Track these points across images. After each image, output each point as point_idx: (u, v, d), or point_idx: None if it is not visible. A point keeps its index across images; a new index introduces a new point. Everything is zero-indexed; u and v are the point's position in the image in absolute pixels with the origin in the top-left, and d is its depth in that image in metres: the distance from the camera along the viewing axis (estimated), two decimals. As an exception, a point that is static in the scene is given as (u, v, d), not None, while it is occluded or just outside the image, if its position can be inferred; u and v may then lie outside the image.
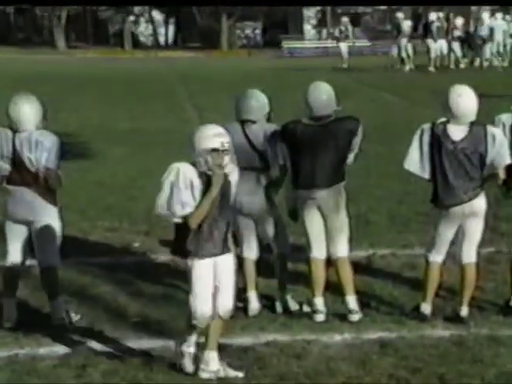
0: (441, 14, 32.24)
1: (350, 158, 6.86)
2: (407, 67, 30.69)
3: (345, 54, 32.62)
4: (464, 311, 6.78)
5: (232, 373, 5.91)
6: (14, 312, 6.96)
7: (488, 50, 30.56)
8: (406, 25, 31.63)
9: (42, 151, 6.74)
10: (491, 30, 30.48)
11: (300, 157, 6.82)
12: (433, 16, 31.59)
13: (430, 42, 30.56)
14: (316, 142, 6.77)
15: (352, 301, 6.90)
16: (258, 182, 6.99)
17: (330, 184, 6.79)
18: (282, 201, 7.16)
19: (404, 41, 31.16)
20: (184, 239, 5.75)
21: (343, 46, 32.73)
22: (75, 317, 6.97)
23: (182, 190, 5.66)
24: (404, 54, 31.00)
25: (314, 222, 6.90)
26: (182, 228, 5.75)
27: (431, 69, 29.88)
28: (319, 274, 6.94)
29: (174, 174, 5.69)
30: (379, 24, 51.46)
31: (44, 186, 6.81)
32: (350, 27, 33.43)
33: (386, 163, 12.50)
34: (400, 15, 33.52)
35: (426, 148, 6.68)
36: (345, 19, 33.94)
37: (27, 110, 6.79)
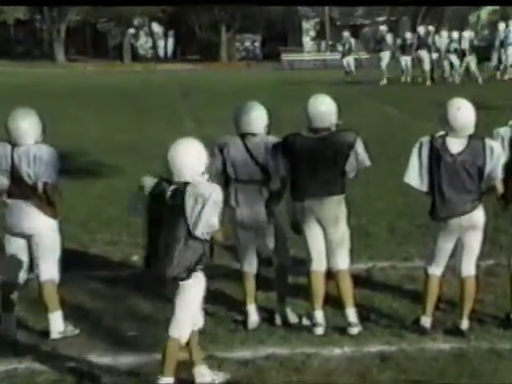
0: (431, 28, 32.52)
1: (354, 172, 6.83)
2: (384, 81, 30.57)
3: (352, 68, 32.33)
4: (464, 324, 6.76)
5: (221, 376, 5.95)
6: (13, 326, 6.94)
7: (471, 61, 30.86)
8: (390, 38, 31.85)
9: (40, 165, 6.74)
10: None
11: (299, 169, 6.82)
12: (421, 30, 31.88)
13: (424, 54, 30.64)
14: (314, 154, 6.76)
15: (352, 314, 6.88)
16: (260, 194, 6.97)
17: (328, 196, 6.78)
18: (283, 213, 7.14)
19: (387, 54, 31.16)
20: (197, 257, 5.69)
21: (347, 60, 32.37)
22: (74, 330, 6.96)
23: (213, 207, 5.60)
24: (384, 67, 30.84)
25: (314, 235, 6.88)
26: (197, 246, 5.66)
27: (428, 82, 30.02)
28: (319, 287, 6.92)
29: (204, 192, 5.58)
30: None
31: (43, 199, 6.80)
32: (352, 40, 33.27)
33: (386, 175, 12.50)
34: (383, 28, 33.54)
35: (424, 161, 6.68)
36: (346, 34, 33.78)
37: (26, 125, 6.79)
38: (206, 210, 5.55)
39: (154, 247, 5.75)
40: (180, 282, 5.69)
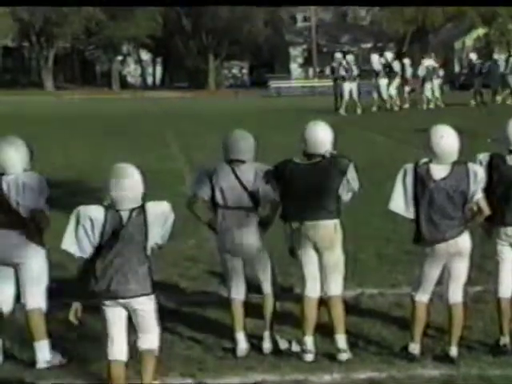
0: (389, 54, 32.80)
1: (347, 196, 6.86)
2: (341, 110, 29.96)
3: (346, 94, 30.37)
4: (453, 351, 6.75)
5: None
6: (0, 354, 6.88)
7: (428, 89, 31.41)
8: (356, 67, 31.55)
9: (29, 193, 6.74)
10: (428, 70, 31.61)
11: (293, 195, 6.82)
12: (389, 55, 32.18)
13: (383, 82, 30.90)
14: (308, 180, 6.77)
15: (342, 340, 6.86)
16: (248, 221, 6.97)
17: (323, 221, 6.77)
18: (271, 239, 7.13)
19: (348, 83, 30.26)
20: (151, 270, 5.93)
21: (345, 85, 30.33)
22: (62, 359, 6.91)
23: (172, 221, 6.07)
24: (347, 96, 30.20)
25: (309, 260, 6.88)
26: (149, 261, 5.93)
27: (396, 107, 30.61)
28: (311, 313, 6.89)
29: (166, 210, 5.99)
30: (363, 63, 51.58)
31: (31, 227, 6.80)
32: (344, 62, 31.01)
33: (374, 202, 12.51)
34: (350, 57, 32.07)
35: (409, 188, 6.71)
36: (338, 55, 32.03)
37: (13, 154, 6.81)
38: (168, 225, 5.94)
39: (103, 274, 5.92)
40: (144, 299, 5.82)
